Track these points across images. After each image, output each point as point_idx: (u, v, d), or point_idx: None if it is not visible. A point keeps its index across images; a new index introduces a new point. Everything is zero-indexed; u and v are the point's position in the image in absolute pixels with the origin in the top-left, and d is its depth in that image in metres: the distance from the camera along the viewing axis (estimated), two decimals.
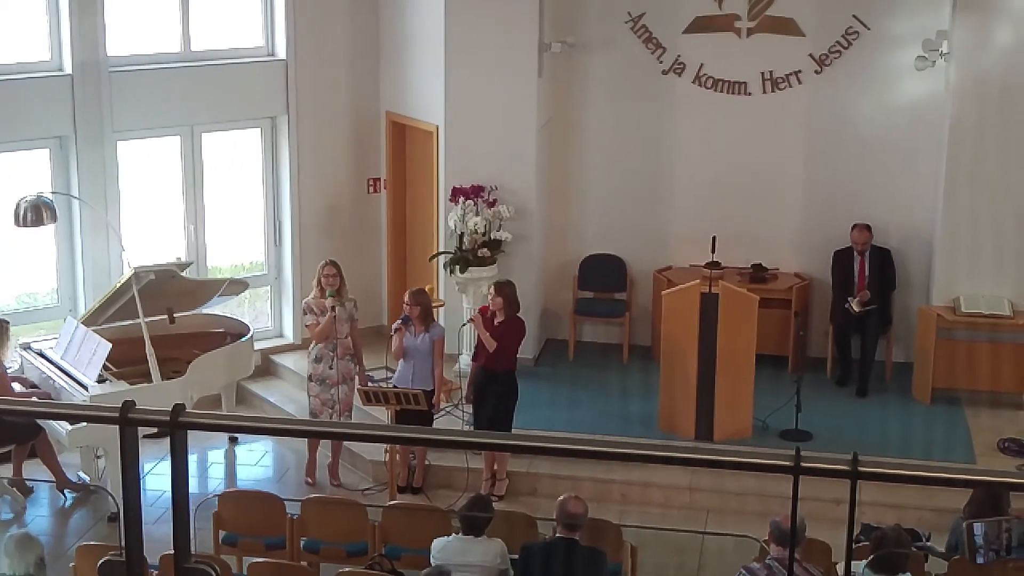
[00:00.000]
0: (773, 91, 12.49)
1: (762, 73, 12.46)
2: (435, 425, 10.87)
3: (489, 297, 10.69)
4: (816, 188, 12.54)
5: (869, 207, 12.30)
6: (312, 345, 10.99)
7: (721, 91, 12.56)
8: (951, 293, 11.87)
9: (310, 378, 10.96)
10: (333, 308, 10.72)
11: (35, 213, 10.82)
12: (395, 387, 10.46)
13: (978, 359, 11.64)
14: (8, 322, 10.67)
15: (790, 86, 12.46)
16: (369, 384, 10.92)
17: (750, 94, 12.52)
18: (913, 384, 11.98)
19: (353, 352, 10.92)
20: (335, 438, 10.90)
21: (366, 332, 11.77)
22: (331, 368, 10.82)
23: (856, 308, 11.91)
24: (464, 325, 11.13)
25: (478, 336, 10.67)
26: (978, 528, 8.07)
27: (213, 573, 3.50)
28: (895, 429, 11.33)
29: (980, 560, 8.12)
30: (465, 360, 11.56)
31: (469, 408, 10.91)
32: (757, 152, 12.59)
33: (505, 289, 10.62)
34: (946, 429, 11.37)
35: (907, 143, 12.24)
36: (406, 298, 10.67)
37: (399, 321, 10.61)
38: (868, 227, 12.12)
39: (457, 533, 8.13)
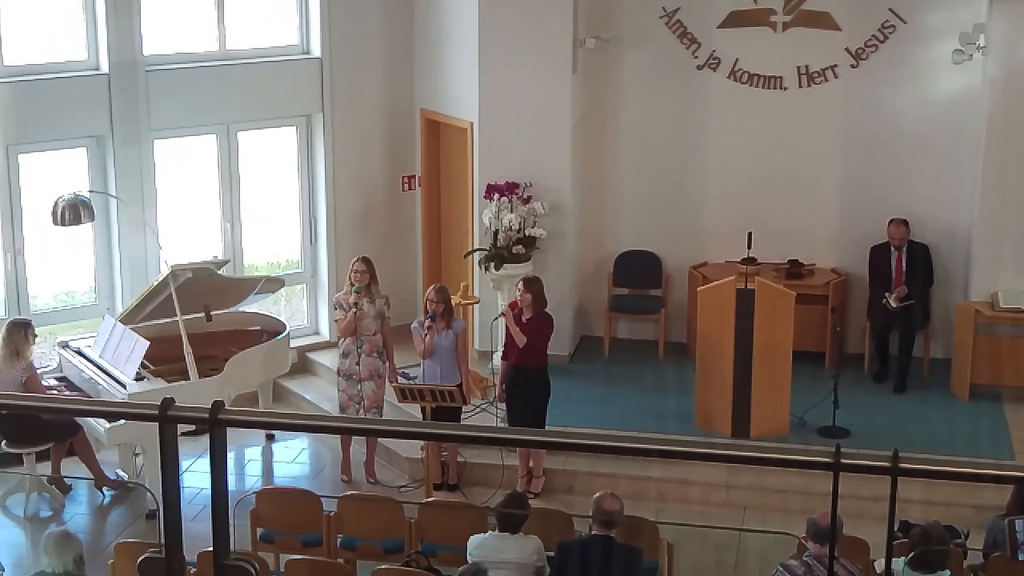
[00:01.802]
0: (809, 86, 12.42)
1: (798, 67, 12.40)
2: (470, 422, 10.88)
3: (518, 293, 10.69)
4: (853, 183, 12.47)
5: (906, 202, 12.22)
6: (340, 340, 11.04)
7: (756, 86, 12.50)
8: (990, 288, 11.78)
9: (338, 372, 11.02)
10: (356, 304, 10.75)
11: (73, 212, 10.88)
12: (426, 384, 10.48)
13: (1018, 355, 11.55)
14: (30, 323, 10.71)
15: (826, 80, 12.39)
16: (404, 381, 10.95)
17: (786, 89, 12.47)
18: (951, 380, 11.90)
19: (382, 349, 10.94)
20: (369, 435, 10.92)
21: (401, 329, 11.78)
22: (357, 364, 10.85)
23: (893, 304, 11.84)
24: (495, 320, 11.12)
25: (507, 334, 10.67)
26: (1019, 525, 8.01)
27: (252, 571, 3.50)
28: (933, 425, 11.25)
29: (1022, 557, 8.05)
30: (499, 358, 11.55)
31: (503, 406, 10.91)
32: (793, 147, 12.53)
33: (533, 285, 10.62)
34: (985, 425, 11.28)
35: (944, 137, 12.16)
36: (431, 295, 10.67)
37: (428, 319, 10.60)
38: (905, 222, 12.04)
39: (493, 530, 8.13)
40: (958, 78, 11.95)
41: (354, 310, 10.76)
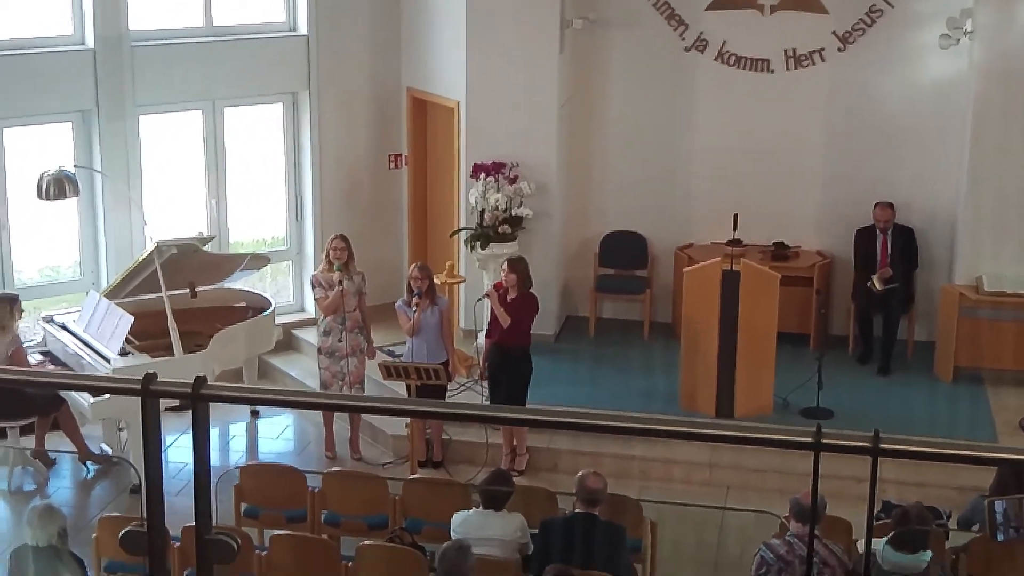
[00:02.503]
0: (796, 69, 12.43)
1: (785, 51, 12.41)
2: (455, 400, 10.90)
3: (502, 273, 10.70)
4: (839, 166, 12.49)
5: (892, 185, 12.25)
6: (320, 318, 11.04)
7: (744, 68, 12.51)
8: (974, 272, 11.82)
9: (319, 351, 11.02)
10: (340, 282, 10.75)
11: (58, 187, 10.85)
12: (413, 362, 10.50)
13: (1001, 338, 11.60)
14: (17, 297, 10.70)
15: (813, 64, 12.40)
16: (388, 359, 10.97)
17: (773, 72, 12.47)
18: (935, 363, 11.94)
19: (362, 325, 10.96)
20: (354, 411, 10.92)
21: (388, 307, 11.79)
22: (340, 341, 10.87)
23: (878, 285, 11.87)
24: (479, 300, 11.13)
25: (492, 313, 10.69)
26: (999, 505, 8.05)
27: (234, 544, 3.51)
28: (916, 408, 11.30)
29: (1001, 537, 8.10)
30: (484, 337, 11.57)
31: (486, 384, 10.93)
32: (780, 130, 12.54)
33: (518, 265, 10.62)
34: (968, 408, 11.33)
35: (931, 121, 12.18)
36: (415, 272, 10.67)
37: (415, 296, 10.61)
38: (891, 205, 12.07)
39: (477, 507, 8.15)
40: (945, 63, 11.96)
41: (340, 287, 10.76)
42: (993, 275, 11.69)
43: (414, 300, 10.61)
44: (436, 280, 11.01)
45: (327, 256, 10.93)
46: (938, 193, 12.23)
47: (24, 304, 10.93)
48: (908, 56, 12.23)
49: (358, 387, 10.97)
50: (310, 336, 12.66)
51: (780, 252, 12.46)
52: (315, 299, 11.17)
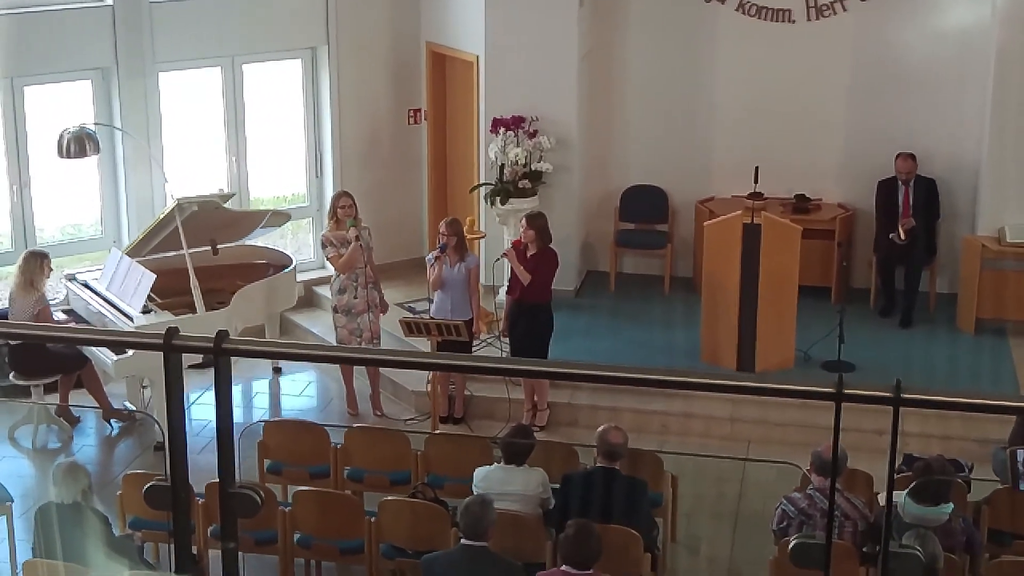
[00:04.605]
0: (817, 19, 12.33)
1: (806, 0, 12.31)
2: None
3: (521, 230, 10.68)
4: (860, 117, 12.41)
5: (914, 136, 12.17)
6: (334, 277, 11.04)
7: (765, 19, 12.42)
8: (997, 223, 11.76)
9: (335, 309, 11.01)
10: (357, 238, 10.75)
11: (78, 144, 10.86)
12: (434, 318, 10.51)
13: (1023, 289, 11.55)
14: (47, 254, 10.75)
15: (835, 14, 12.30)
16: (409, 315, 10.98)
17: (794, 22, 12.38)
18: (957, 315, 11.91)
19: (374, 280, 10.97)
20: (377, 364, 10.95)
21: (408, 263, 11.82)
22: (355, 298, 10.88)
23: (902, 235, 11.81)
24: (497, 260, 11.12)
25: (512, 270, 10.68)
26: (1021, 455, 8.05)
27: (258, 498, 3.53)
28: (939, 360, 11.28)
29: (1022, 487, 8.10)
30: (504, 293, 11.57)
31: (507, 340, 10.94)
32: (801, 81, 12.46)
33: (537, 221, 10.59)
34: (990, 360, 11.30)
35: (953, 71, 12.09)
36: (442, 228, 10.68)
37: (437, 250, 10.62)
38: (913, 156, 12.00)
39: (499, 462, 8.18)
40: (967, 11, 11.86)
41: (357, 243, 10.75)
42: (1015, 226, 11.62)
43: (435, 253, 10.61)
44: None
45: (334, 215, 10.91)
46: (960, 144, 12.15)
47: None
48: (930, 5, 12.12)
49: (376, 342, 10.99)
50: (331, 293, 12.68)
51: (801, 205, 12.41)
52: (328, 258, 11.15)
